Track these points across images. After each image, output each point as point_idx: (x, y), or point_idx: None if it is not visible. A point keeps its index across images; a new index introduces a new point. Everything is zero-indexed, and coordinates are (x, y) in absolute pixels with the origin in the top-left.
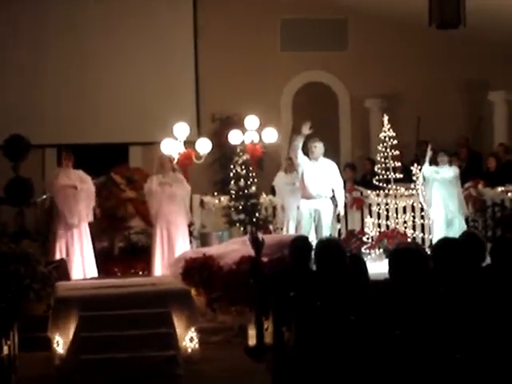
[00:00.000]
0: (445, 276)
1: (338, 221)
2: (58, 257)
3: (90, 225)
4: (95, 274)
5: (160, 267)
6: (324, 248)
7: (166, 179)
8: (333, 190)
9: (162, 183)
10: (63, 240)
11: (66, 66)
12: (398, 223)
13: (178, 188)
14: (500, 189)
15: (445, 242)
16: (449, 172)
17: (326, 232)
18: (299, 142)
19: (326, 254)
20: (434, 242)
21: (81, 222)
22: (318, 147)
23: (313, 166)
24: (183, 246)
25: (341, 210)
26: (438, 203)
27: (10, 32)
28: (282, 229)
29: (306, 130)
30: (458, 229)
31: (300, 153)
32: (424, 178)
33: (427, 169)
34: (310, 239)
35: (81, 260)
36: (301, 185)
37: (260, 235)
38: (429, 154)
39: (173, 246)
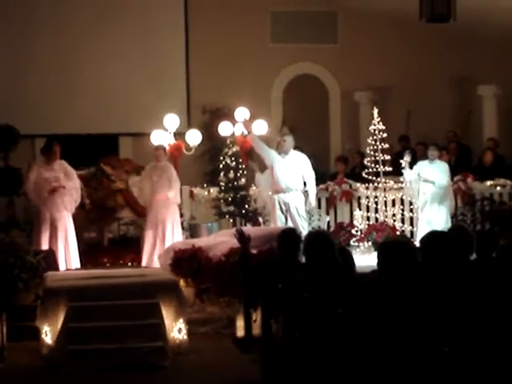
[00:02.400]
0: (433, 269)
1: (328, 213)
2: (42, 247)
3: (77, 216)
4: (78, 265)
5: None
6: (313, 240)
7: (155, 174)
8: (305, 183)
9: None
10: (47, 231)
11: (55, 55)
12: (386, 216)
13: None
14: (489, 183)
15: (433, 235)
16: (442, 178)
17: (301, 223)
18: (253, 140)
19: (315, 246)
20: (420, 235)
21: (64, 214)
22: (288, 141)
23: (282, 160)
24: (175, 237)
25: (312, 201)
26: (426, 205)
27: None
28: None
29: (247, 128)
30: (443, 220)
31: (261, 146)
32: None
33: (411, 173)
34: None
35: (64, 251)
36: (271, 178)
37: (247, 228)
38: (406, 160)
39: (164, 238)
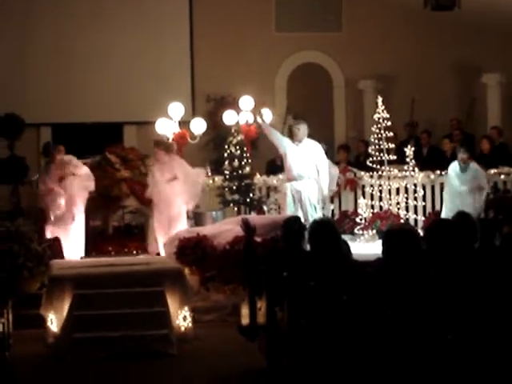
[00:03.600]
0: (437, 257)
1: (332, 201)
2: (48, 236)
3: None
4: (82, 254)
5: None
6: (318, 228)
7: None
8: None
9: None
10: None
11: (60, 44)
12: (391, 204)
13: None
14: (493, 171)
15: (438, 223)
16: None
17: (311, 212)
18: (266, 129)
19: (320, 234)
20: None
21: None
22: (301, 129)
23: (296, 148)
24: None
25: (324, 190)
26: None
27: None
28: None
29: (259, 118)
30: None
31: (274, 135)
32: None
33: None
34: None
35: (70, 240)
36: (285, 166)
37: (252, 216)
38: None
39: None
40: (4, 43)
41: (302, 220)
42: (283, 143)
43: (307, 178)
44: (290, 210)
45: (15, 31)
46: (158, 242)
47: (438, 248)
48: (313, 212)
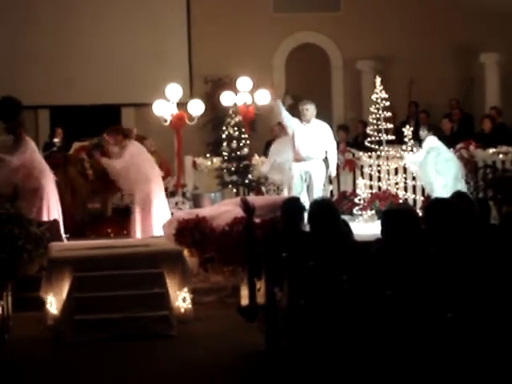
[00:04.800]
0: (436, 236)
1: (330, 182)
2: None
3: (81, 187)
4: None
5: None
6: (318, 209)
7: None
8: (326, 152)
9: None
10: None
11: (58, 26)
12: (389, 185)
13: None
14: (491, 150)
15: (436, 202)
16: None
17: (317, 194)
18: (277, 107)
19: (319, 215)
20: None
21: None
22: (310, 109)
23: (304, 129)
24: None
25: (332, 171)
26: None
27: None
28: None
29: (273, 95)
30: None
31: (285, 114)
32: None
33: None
34: (302, 200)
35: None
36: (292, 147)
37: (251, 197)
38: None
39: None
40: (3, 26)
41: (308, 201)
42: (292, 124)
43: (315, 158)
44: (296, 191)
45: (14, 14)
46: (137, 227)
47: (436, 227)
48: (318, 193)
